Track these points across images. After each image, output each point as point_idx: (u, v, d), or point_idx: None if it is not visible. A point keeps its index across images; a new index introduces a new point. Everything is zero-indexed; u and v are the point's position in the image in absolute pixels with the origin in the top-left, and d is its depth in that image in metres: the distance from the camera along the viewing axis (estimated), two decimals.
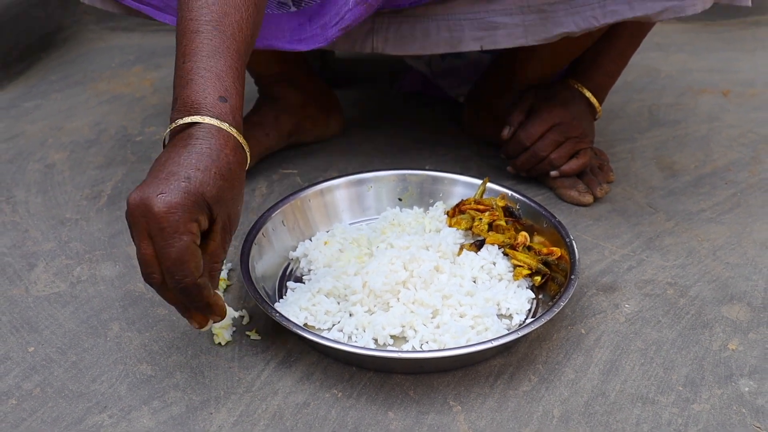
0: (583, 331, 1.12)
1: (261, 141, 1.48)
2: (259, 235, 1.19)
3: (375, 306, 1.09)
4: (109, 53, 2.09)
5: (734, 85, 1.90)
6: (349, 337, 1.06)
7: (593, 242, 1.31)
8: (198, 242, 0.89)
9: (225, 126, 0.91)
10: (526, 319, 1.12)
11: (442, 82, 1.71)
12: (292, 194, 1.27)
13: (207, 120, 0.91)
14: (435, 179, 1.34)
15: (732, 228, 1.35)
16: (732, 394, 1.01)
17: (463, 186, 1.32)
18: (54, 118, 1.73)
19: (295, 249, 1.22)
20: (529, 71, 1.43)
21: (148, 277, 0.90)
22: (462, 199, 1.27)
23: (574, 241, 1.16)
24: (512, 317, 1.11)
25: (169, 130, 0.92)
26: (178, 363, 1.06)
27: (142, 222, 0.87)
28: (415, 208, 1.30)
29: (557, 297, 1.08)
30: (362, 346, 1.03)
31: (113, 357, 1.07)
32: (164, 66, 2.01)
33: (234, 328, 1.11)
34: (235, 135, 0.93)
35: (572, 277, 1.10)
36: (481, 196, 1.28)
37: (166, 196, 0.86)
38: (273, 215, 1.23)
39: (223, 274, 1.21)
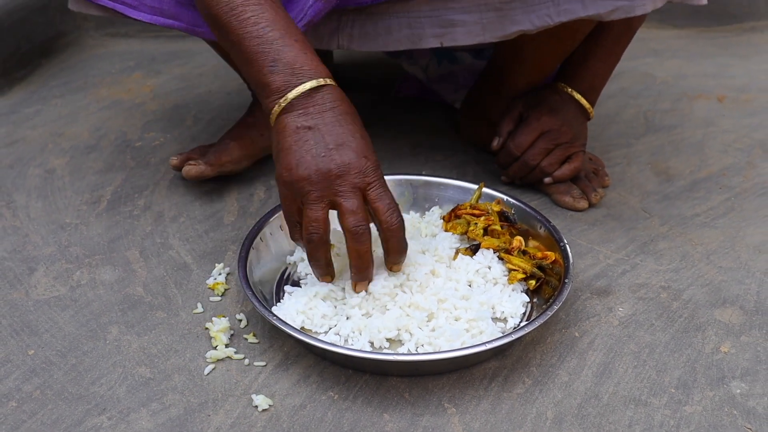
0: (576, 334, 1.13)
1: (256, 141, 1.49)
2: (257, 239, 1.20)
3: (372, 309, 1.10)
4: (109, 59, 2.11)
5: (729, 90, 1.92)
6: (346, 340, 1.07)
7: (588, 246, 1.32)
8: None
9: (336, 84, 1.04)
10: (520, 322, 1.13)
11: (438, 88, 1.72)
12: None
13: (329, 82, 1.03)
14: (431, 184, 1.35)
15: (726, 232, 1.36)
16: (724, 396, 1.03)
17: (458, 191, 1.33)
18: (54, 124, 1.74)
19: (292, 253, 1.23)
20: (517, 76, 1.44)
21: (359, 226, 1.00)
22: (458, 204, 1.28)
23: (568, 245, 1.18)
24: (507, 321, 1.12)
25: (295, 93, 1.00)
26: (177, 366, 1.07)
27: (356, 181, 1.00)
28: (412, 212, 1.31)
29: (551, 300, 1.09)
30: (358, 348, 1.05)
31: (112, 360, 1.08)
32: (164, 72, 2.02)
33: (232, 332, 1.12)
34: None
35: (566, 280, 1.11)
36: (477, 201, 1.29)
37: (369, 158, 1.01)
38: (271, 220, 1.24)
39: (221, 279, 1.22)
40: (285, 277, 1.21)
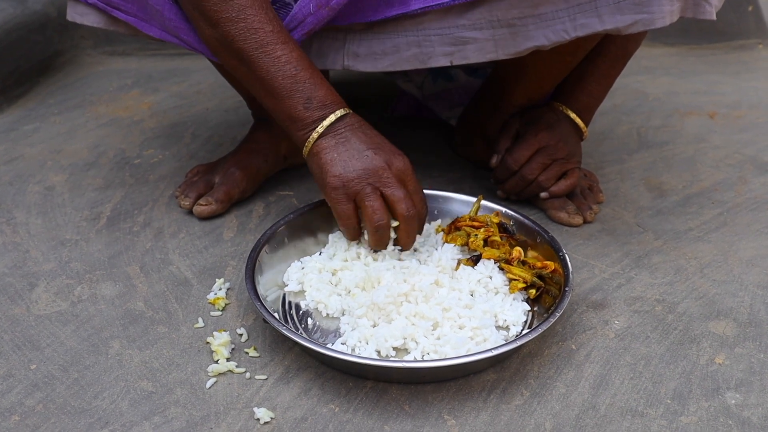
0: (573, 347, 1.14)
1: (261, 168, 1.51)
2: (262, 252, 1.21)
3: (378, 319, 1.12)
4: (107, 77, 2.12)
5: (720, 107, 1.95)
6: (353, 350, 1.09)
7: (583, 261, 1.33)
8: None
9: (351, 111, 1.20)
10: (522, 330, 1.14)
11: (434, 105, 1.74)
12: (291, 213, 1.30)
13: (349, 111, 1.20)
14: (431, 198, 1.36)
15: (718, 246, 1.38)
16: (719, 406, 1.04)
17: (458, 204, 1.35)
18: (53, 141, 1.75)
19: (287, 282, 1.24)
20: (516, 94, 1.46)
21: (412, 210, 1.16)
22: (457, 217, 1.30)
23: (567, 255, 1.19)
24: (509, 329, 1.14)
25: (328, 122, 1.17)
26: (179, 379, 1.08)
27: (397, 173, 1.16)
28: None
29: (552, 308, 1.11)
30: (365, 356, 1.06)
31: (114, 374, 1.09)
32: (161, 90, 2.04)
33: (233, 346, 1.13)
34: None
35: (566, 289, 1.13)
36: (476, 213, 1.31)
37: (402, 156, 1.19)
38: (275, 233, 1.25)
39: (221, 294, 1.23)
40: (288, 303, 1.21)
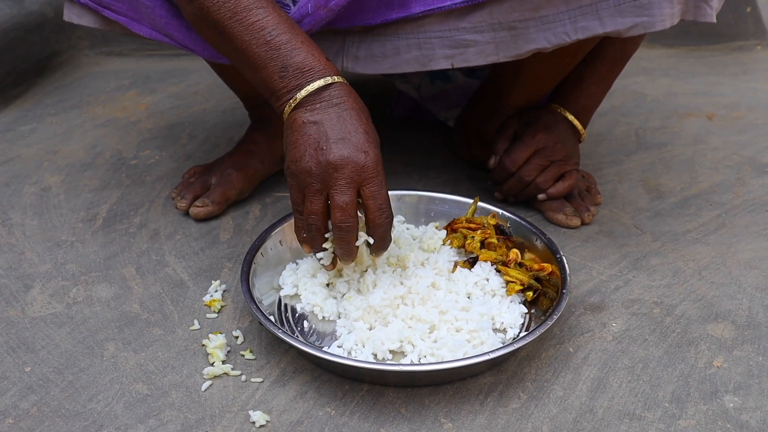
0: (571, 350, 1.14)
1: (257, 170, 1.50)
2: (258, 254, 1.20)
3: (374, 322, 1.11)
4: (104, 78, 2.12)
5: (718, 108, 1.94)
6: (349, 353, 1.08)
7: (581, 263, 1.33)
8: None
9: (346, 82, 1.08)
10: (519, 332, 1.14)
11: (432, 106, 1.73)
12: (288, 215, 1.29)
13: (338, 79, 1.07)
14: (428, 199, 1.36)
15: (717, 248, 1.37)
16: (717, 410, 1.04)
17: (455, 205, 1.35)
18: (49, 142, 1.75)
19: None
20: (514, 96, 1.45)
21: (345, 222, 1.05)
22: (454, 219, 1.29)
23: (564, 257, 1.19)
24: (506, 331, 1.14)
25: (304, 93, 1.06)
26: (174, 382, 1.07)
27: (352, 175, 1.04)
28: (412, 226, 1.33)
29: (550, 311, 1.11)
30: (362, 359, 1.06)
31: (109, 376, 1.08)
32: (159, 90, 2.03)
33: (229, 348, 1.13)
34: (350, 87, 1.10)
35: (563, 291, 1.13)
36: (473, 215, 1.30)
37: (369, 153, 1.05)
38: (271, 235, 1.25)
39: (217, 296, 1.23)
40: (284, 305, 1.21)
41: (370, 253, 1.13)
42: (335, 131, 1.05)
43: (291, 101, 1.07)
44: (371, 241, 1.10)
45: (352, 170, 1.04)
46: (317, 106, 1.06)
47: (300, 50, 1.07)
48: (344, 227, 1.06)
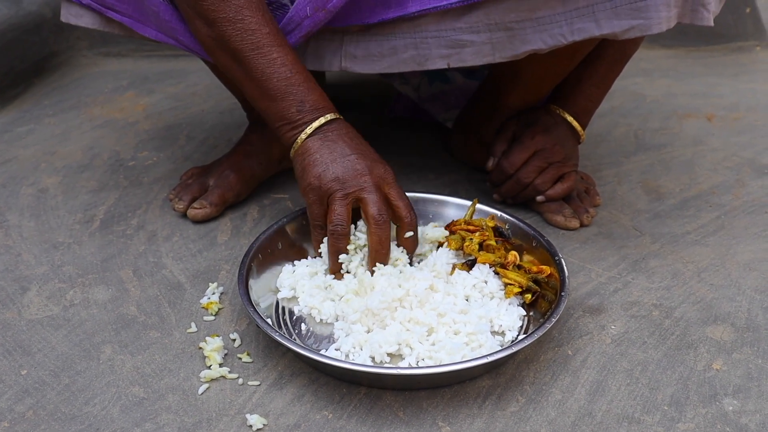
0: (569, 353, 1.13)
1: (255, 171, 1.50)
2: (255, 257, 1.20)
3: (372, 324, 1.11)
4: (102, 79, 2.11)
5: (718, 109, 1.94)
6: (347, 356, 1.08)
7: (580, 265, 1.33)
8: None
9: (341, 117, 1.21)
10: (518, 335, 1.13)
11: (430, 107, 1.73)
12: (285, 217, 1.29)
13: (338, 116, 1.21)
14: (425, 201, 1.36)
15: (716, 250, 1.37)
16: (716, 413, 1.03)
17: (453, 207, 1.34)
18: (47, 143, 1.74)
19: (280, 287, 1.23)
20: (513, 97, 1.45)
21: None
22: (452, 220, 1.29)
23: (563, 259, 1.18)
24: (505, 334, 1.13)
25: (317, 124, 1.19)
26: (170, 385, 1.07)
27: (376, 180, 1.16)
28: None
29: (549, 313, 1.10)
30: (359, 362, 1.05)
31: (106, 380, 1.08)
32: (157, 91, 2.03)
33: (226, 351, 1.12)
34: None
35: (562, 293, 1.12)
36: (471, 217, 1.30)
37: (386, 165, 1.20)
38: (269, 238, 1.24)
39: (215, 298, 1.22)
40: (281, 308, 1.20)
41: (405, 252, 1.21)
42: (352, 148, 1.18)
43: (307, 129, 1.18)
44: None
45: (377, 175, 1.17)
46: (329, 134, 1.19)
47: (314, 90, 1.19)
48: (382, 219, 1.15)
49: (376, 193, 1.16)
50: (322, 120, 1.18)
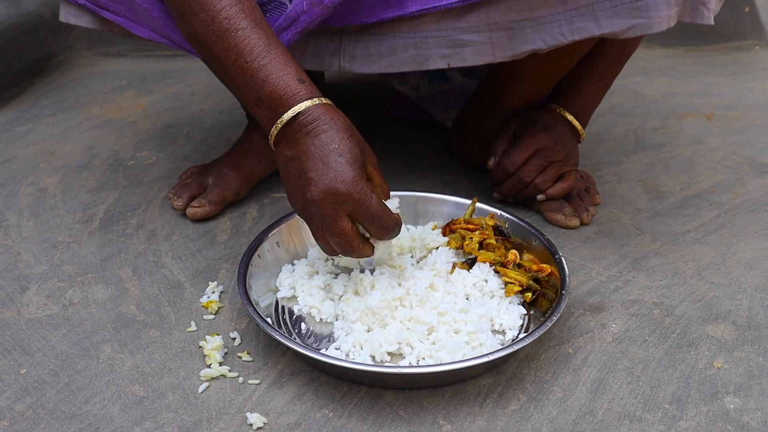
0: (570, 351, 1.13)
1: (254, 170, 1.50)
2: (255, 256, 1.20)
3: (372, 324, 1.10)
4: (101, 78, 2.11)
5: (717, 108, 1.94)
6: (347, 355, 1.07)
7: (580, 263, 1.32)
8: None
9: (319, 100, 1.05)
10: (518, 334, 1.13)
11: (430, 107, 1.73)
12: (285, 216, 1.29)
13: (308, 104, 1.04)
14: (425, 200, 1.36)
15: (716, 248, 1.37)
16: (718, 411, 1.03)
17: (453, 206, 1.34)
18: (46, 143, 1.74)
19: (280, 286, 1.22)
20: (512, 96, 1.45)
21: (344, 248, 1.05)
22: (452, 219, 1.29)
23: (563, 258, 1.18)
24: (505, 333, 1.13)
25: (278, 127, 1.05)
26: (170, 384, 1.06)
27: (334, 206, 1.02)
28: (410, 227, 1.32)
29: (549, 312, 1.10)
30: (359, 362, 1.05)
31: (105, 378, 1.07)
32: (155, 91, 2.03)
33: (226, 350, 1.12)
34: (326, 101, 1.06)
35: (563, 292, 1.12)
36: (471, 216, 1.30)
37: (345, 179, 1.01)
38: (268, 237, 1.24)
39: (214, 297, 1.22)
40: (281, 307, 1.20)
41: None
42: (310, 163, 1.03)
43: (272, 135, 1.07)
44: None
45: (332, 201, 1.02)
46: (293, 138, 1.05)
47: (272, 76, 1.04)
48: (346, 251, 1.07)
49: (336, 221, 1.03)
50: (283, 119, 1.04)
